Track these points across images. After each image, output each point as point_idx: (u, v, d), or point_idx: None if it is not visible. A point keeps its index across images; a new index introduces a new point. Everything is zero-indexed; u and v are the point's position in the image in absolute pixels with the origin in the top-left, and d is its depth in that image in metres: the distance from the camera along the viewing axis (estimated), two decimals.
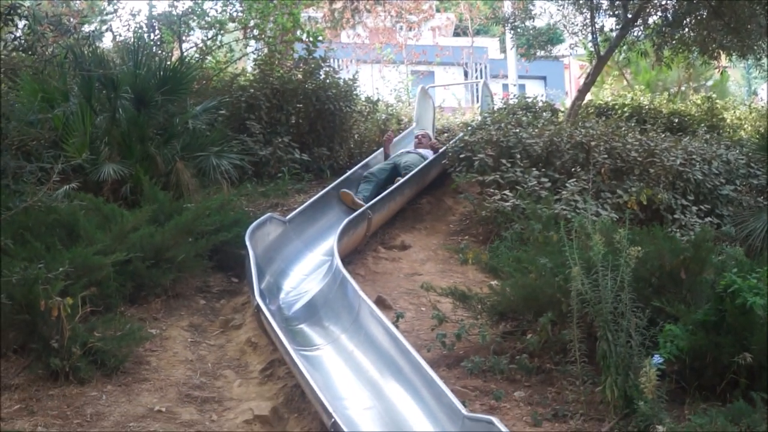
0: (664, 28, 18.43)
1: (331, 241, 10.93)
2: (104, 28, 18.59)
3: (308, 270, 10.90)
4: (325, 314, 9.52)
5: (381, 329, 8.50)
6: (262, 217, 11.05)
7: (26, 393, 7.79)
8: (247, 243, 10.10)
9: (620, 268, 7.73)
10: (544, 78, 41.50)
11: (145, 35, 15.87)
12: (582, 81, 20.85)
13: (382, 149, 15.37)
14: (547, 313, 8.47)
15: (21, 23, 11.50)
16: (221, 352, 9.11)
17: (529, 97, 18.85)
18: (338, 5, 25.05)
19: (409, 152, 14.97)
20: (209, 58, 18.39)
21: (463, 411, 7.06)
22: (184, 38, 18.67)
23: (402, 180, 13.42)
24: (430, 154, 14.72)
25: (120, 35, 18.55)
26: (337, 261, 9.99)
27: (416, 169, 13.88)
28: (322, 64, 16.81)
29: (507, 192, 12.05)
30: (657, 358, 7.44)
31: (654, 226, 9.36)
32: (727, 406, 7.12)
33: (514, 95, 21.10)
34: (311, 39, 17.46)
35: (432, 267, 11.58)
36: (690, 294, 8.20)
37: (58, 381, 7.96)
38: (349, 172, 13.91)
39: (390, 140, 15.42)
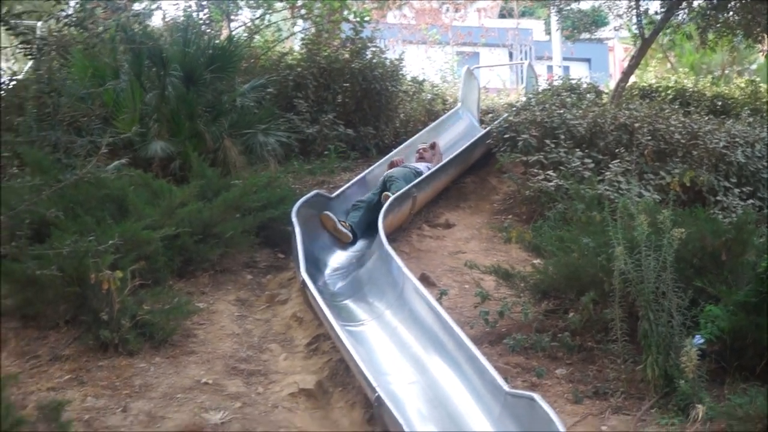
0: (708, 11, 18.24)
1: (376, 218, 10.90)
2: (154, 6, 18.56)
3: (355, 246, 10.89)
4: (369, 290, 9.53)
5: (425, 306, 8.49)
6: (309, 194, 11.07)
7: (76, 364, 7.84)
8: (294, 219, 10.14)
9: (663, 248, 7.68)
10: (588, 60, 41.17)
11: (195, 14, 15.84)
12: (626, 63, 20.69)
13: (422, 132, 15.33)
14: (589, 292, 8.43)
15: (72, 0, 11.55)
16: (267, 327, 9.13)
17: (573, 79, 18.69)
18: None
19: (404, 166, 13.14)
20: (257, 37, 18.38)
21: (505, 387, 7.04)
22: (232, 17, 18.67)
23: (391, 198, 11.50)
24: (423, 168, 13.10)
25: (169, 14, 18.63)
26: (383, 238, 10.01)
27: (407, 184, 12.23)
28: (369, 44, 16.76)
29: (550, 172, 11.99)
30: (698, 339, 7.40)
31: (696, 208, 9.27)
32: (767, 387, 7.06)
33: (559, 77, 20.96)
34: (358, 19, 17.45)
35: (475, 245, 11.55)
36: (731, 275, 8.12)
37: (108, 352, 8.01)
38: (394, 151, 13.90)
39: (398, 165, 13.26)
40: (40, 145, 10.28)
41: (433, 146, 14.03)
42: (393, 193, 11.51)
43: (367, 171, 12.83)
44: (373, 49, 16.80)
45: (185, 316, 8.68)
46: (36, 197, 8.68)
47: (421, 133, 15.08)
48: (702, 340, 7.41)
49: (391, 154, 13.78)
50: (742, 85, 20.28)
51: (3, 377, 6.73)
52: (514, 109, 14.82)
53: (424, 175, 12.44)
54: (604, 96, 18.23)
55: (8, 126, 10.81)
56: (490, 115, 18.24)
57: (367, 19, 17.69)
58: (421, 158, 13.70)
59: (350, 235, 10.96)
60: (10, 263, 8.21)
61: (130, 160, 10.67)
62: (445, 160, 13.30)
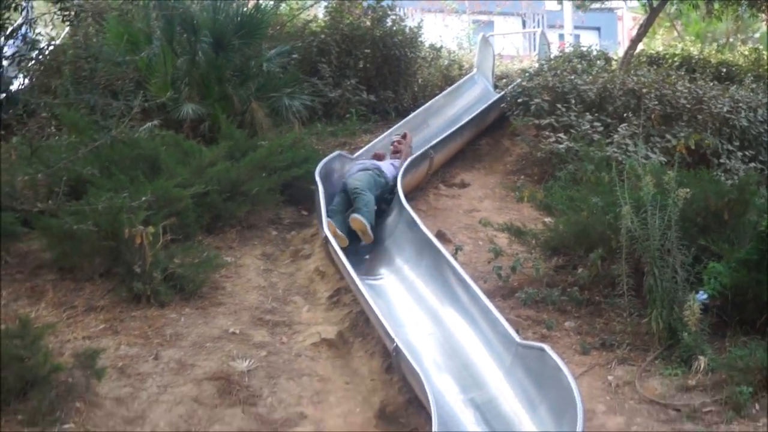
0: None
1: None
2: None
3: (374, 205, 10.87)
4: (389, 246, 9.52)
5: (441, 261, 8.48)
6: (331, 155, 11.07)
7: (111, 314, 7.85)
8: (317, 178, 10.12)
9: (668, 208, 7.68)
10: (598, 29, 40.84)
11: None
12: (635, 32, 20.54)
13: (439, 96, 15.12)
14: (597, 248, 8.43)
15: None
16: (291, 280, 9.13)
17: (583, 47, 18.54)
18: None
19: (365, 168, 10.88)
20: (283, 4, 18.27)
21: (517, 339, 7.04)
22: None
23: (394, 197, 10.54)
24: (389, 169, 11.12)
25: None
26: (401, 196, 9.98)
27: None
28: (389, 12, 16.68)
29: (561, 135, 11.94)
30: (701, 294, 7.41)
31: (700, 170, 9.26)
32: (767, 340, 7.03)
33: (570, 44, 20.75)
34: None
35: (489, 204, 11.51)
36: (733, 234, 8.11)
37: (140, 303, 8.03)
38: (412, 114, 13.81)
39: (382, 158, 11.68)
40: (77, 107, 10.26)
41: (404, 137, 12.38)
42: (362, 213, 9.94)
43: (387, 132, 12.75)
44: (393, 17, 16.72)
45: (214, 269, 8.69)
46: (73, 156, 8.74)
47: (437, 97, 14.98)
48: (705, 296, 7.43)
49: (410, 116, 13.69)
50: (746, 52, 20.14)
51: (41, 327, 6.76)
52: (527, 74, 14.71)
53: (440, 138, 12.37)
54: (613, 63, 18.09)
55: (47, 89, 10.80)
56: (504, 80, 18.08)
57: None
58: (396, 151, 11.99)
59: (346, 239, 9.77)
60: (48, 218, 8.23)
61: (161, 121, 10.68)
62: (461, 123, 13.20)
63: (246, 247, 9.69)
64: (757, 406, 6.56)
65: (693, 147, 11.18)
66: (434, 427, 5.76)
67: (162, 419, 6.55)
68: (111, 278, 8.30)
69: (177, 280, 8.25)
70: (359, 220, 9.83)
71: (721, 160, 11.53)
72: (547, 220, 9.55)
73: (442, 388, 7.08)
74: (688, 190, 7.70)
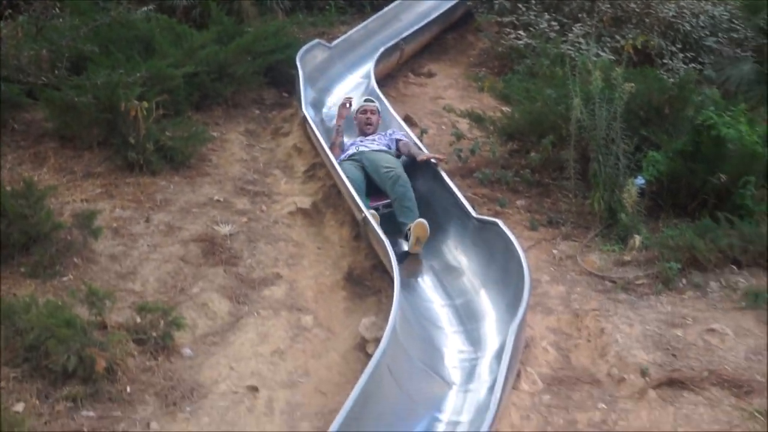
0: None
1: (368, 66, 10.78)
2: None
3: (348, 89, 10.74)
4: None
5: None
6: (311, 43, 10.94)
7: (107, 180, 7.86)
8: (298, 63, 10.03)
9: (614, 101, 7.70)
10: None
11: None
12: None
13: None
14: (549, 135, 8.43)
15: None
16: (271, 155, 9.08)
17: None
18: None
19: (373, 150, 8.19)
20: None
21: (473, 214, 7.05)
22: None
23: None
24: (399, 137, 8.45)
25: None
26: (373, 83, 9.96)
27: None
28: None
29: (521, 32, 11.81)
30: (639, 179, 7.50)
31: (646, 68, 9.23)
32: (696, 223, 7.09)
33: None
34: None
35: (453, 93, 11.41)
36: (672, 127, 8.14)
37: (134, 171, 8.02)
38: (386, 8, 13.56)
39: (346, 110, 8.79)
40: None
41: (374, 111, 8.72)
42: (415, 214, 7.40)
43: (363, 23, 12.56)
44: None
45: (201, 143, 8.64)
46: (75, 35, 8.67)
47: None
48: (643, 181, 7.52)
49: (385, 9, 13.42)
50: None
51: (44, 189, 6.73)
52: None
53: (412, 30, 12.20)
54: None
55: None
56: None
57: None
58: (368, 123, 8.55)
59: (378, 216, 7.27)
60: (51, 91, 8.18)
61: (156, 6, 10.46)
62: (430, 18, 13.01)
63: (231, 123, 9.61)
64: (684, 281, 6.64)
65: (639, 47, 11.06)
66: (396, 287, 5.78)
67: (151, 275, 6.58)
68: (107, 147, 8.27)
69: (167, 152, 8.23)
70: (425, 227, 7.15)
71: (665, 61, 11.43)
72: (505, 108, 9.47)
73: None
74: (633, 85, 7.68)
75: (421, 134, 9.12)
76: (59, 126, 8.42)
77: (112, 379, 5.36)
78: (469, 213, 7.10)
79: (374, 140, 8.37)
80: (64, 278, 6.35)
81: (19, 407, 5.01)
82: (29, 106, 8.74)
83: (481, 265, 6.80)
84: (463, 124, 9.56)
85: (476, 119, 9.19)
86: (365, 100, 8.89)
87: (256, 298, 6.50)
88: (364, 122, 8.59)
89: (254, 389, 5.52)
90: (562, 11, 12.40)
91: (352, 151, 8.23)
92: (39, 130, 8.58)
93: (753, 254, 6.75)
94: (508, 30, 12.05)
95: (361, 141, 8.40)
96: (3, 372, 5.23)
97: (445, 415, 5.28)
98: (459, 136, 9.07)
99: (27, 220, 6.37)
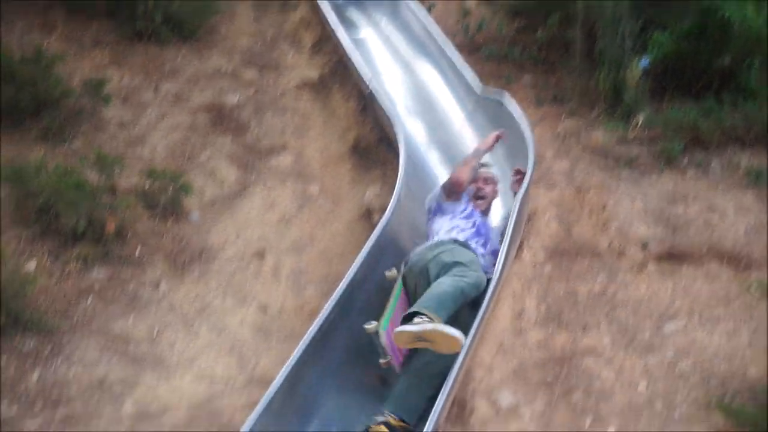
0: None
1: None
2: None
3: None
4: (369, 2, 9.28)
5: (415, 17, 8.34)
6: None
7: (115, 50, 7.74)
8: None
9: None
10: None
11: None
12: None
13: None
14: (556, 13, 8.24)
15: None
16: (279, 29, 8.93)
17: None
18: None
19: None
20: None
21: (479, 90, 7.00)
22: None
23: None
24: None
25: None
26: None
27: None
28: None
29: None
30: (644, 60, 7.35)
31: None
32: (700, 104, 7.01)
33: None
34: None
35: None
36: (679, 9, 7.94)
37: (142, 41, 7.87)
38: None
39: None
40: None
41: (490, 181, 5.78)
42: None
43: None
44: None
45: (209, 14, 8.44)
46: None
47: None
48: (647, 61, 7.37)
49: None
50: None
51: (52, 56, 6.66)
52: None
53: None
54: None
55: None
56: None
57: None
58: (479, 197, 5.55)
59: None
60: None
61: None
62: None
63: None
64: (686, 160, 6.61)
65: None
66: (401, 160, 5.74)
67: (160, 143, 6.57)
68: (116, 17, 8.07)
69: (176, 22, 8.03)
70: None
71: None
72: None
73: (410, 130, 7.05)
74: None
75: (429, 9, 8.93)
76: None
77: (122, 242, 5.40)
78: (477, 86, 7.10)
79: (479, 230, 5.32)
80: (74, 144, 6.32)
81: (31, 265, 5.04)
82: None
83: (485, 137, 6.74)
84: (471, 2, 9.38)
85: None
86: (481, 165, 5.66)
87: (263, 167, 6.50)
88: (475, 194, 5.56)
89: (261, 255, 5.54)
90: None
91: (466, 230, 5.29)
92: None
93: (756, 134, 6.71)
94: None
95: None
96: (14, 231, 5.24)
97: None
98: (466, 12, 8.88)
99: (36, 85, 6.33)
